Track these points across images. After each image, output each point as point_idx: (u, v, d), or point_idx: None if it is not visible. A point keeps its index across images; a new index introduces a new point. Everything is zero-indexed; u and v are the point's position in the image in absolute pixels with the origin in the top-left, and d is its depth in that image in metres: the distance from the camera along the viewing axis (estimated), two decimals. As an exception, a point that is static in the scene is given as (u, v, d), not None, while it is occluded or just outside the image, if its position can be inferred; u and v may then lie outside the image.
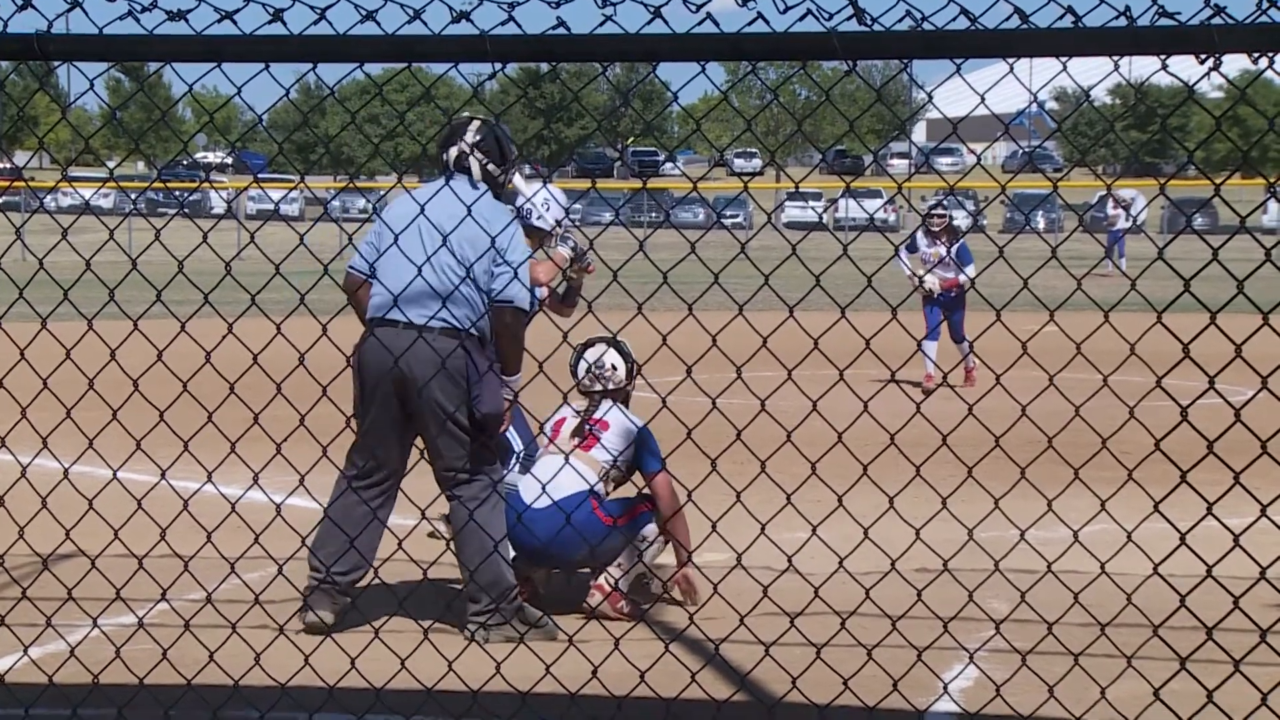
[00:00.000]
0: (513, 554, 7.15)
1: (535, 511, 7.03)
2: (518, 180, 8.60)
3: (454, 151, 7.07)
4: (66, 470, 5.05)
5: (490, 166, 7.06)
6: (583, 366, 7.78)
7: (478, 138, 7.06)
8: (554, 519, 6.92)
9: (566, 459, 6.97)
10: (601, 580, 7.37)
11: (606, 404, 7.67)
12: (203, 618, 6.01)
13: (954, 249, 16.91)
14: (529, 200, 8.72)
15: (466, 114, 7.35)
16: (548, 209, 8.72)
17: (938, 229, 17.18)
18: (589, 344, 7.84)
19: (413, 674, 5.28)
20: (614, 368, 7.77)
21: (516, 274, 6.81)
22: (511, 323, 6.84)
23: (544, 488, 6.57)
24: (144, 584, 5.84)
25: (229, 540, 5.99)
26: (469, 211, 5.78)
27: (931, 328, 16.59)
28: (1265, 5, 3.43)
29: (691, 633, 6.26)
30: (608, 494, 7.54)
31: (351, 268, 6.98)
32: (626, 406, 7.77)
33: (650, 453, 7.46)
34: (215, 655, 5.38)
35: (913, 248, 17.47)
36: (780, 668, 5.37)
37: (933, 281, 16.84)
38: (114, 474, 5.21)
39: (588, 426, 7.56)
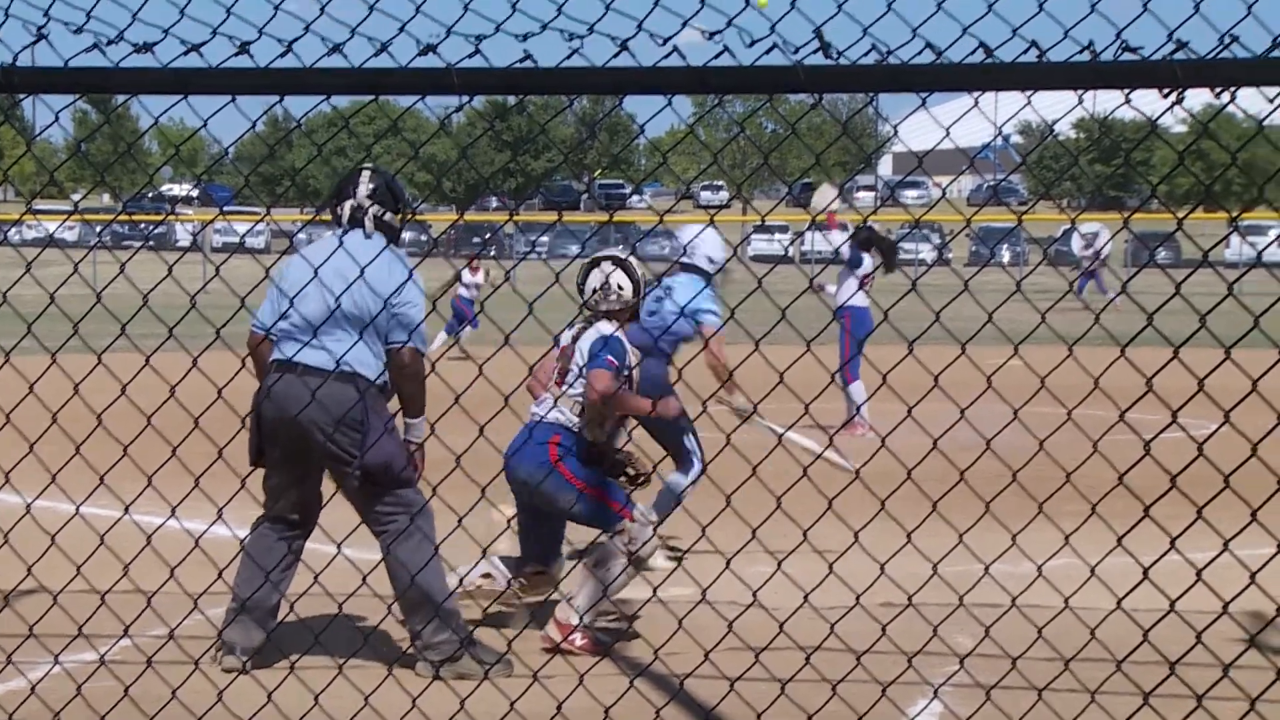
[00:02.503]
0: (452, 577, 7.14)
1: (514, 446, 7.38)
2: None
3: (348, 206, 7.04)
4: (29, 505, 5.02)
5: (386, 216, 7.06)
6: (589, 286, 7.77)
7: (371, 187, 7.05)
8: (524, 454, 7.30)
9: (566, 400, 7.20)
10: (563, 617, 7.33)
11: (593, 328, 7.61)
12: (166, 654, 5.97)
13: (844, 247, 15.57)
14: (689, 243, 9.46)
15: (363, 166, 7.29)
16: (699, 248, 9.42)
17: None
18: (595, 262, 7.82)
19: (376, 710, 5.26)
20: (620, 287, 7.74)
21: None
22: (410, 364, 6.75)
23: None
24: (106, 620, 5.81)
25: (193, 575, 5.96)
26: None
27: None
28: (1227, 41, 3.45)
29: (656, 668, 6.24)
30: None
31: (254, 326, 6.93)
32: (627, 325, 7.76)
33: (592, 355, 7.43)
34: (178, 692, 5.34)
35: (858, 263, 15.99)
36: (745, 703, 5.36)
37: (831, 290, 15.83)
38: (77, 509, 5.18)
39: (564, 361, 7.58)
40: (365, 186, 7.01)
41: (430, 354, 7.00)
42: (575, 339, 7.62)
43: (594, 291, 7.74)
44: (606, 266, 7.77)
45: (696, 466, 9.36)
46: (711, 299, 9.58)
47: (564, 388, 7.47)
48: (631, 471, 7.56)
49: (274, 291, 6.84)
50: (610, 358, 7.40)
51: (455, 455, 5.38)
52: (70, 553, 5.10)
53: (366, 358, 6.65)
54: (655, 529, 7.45)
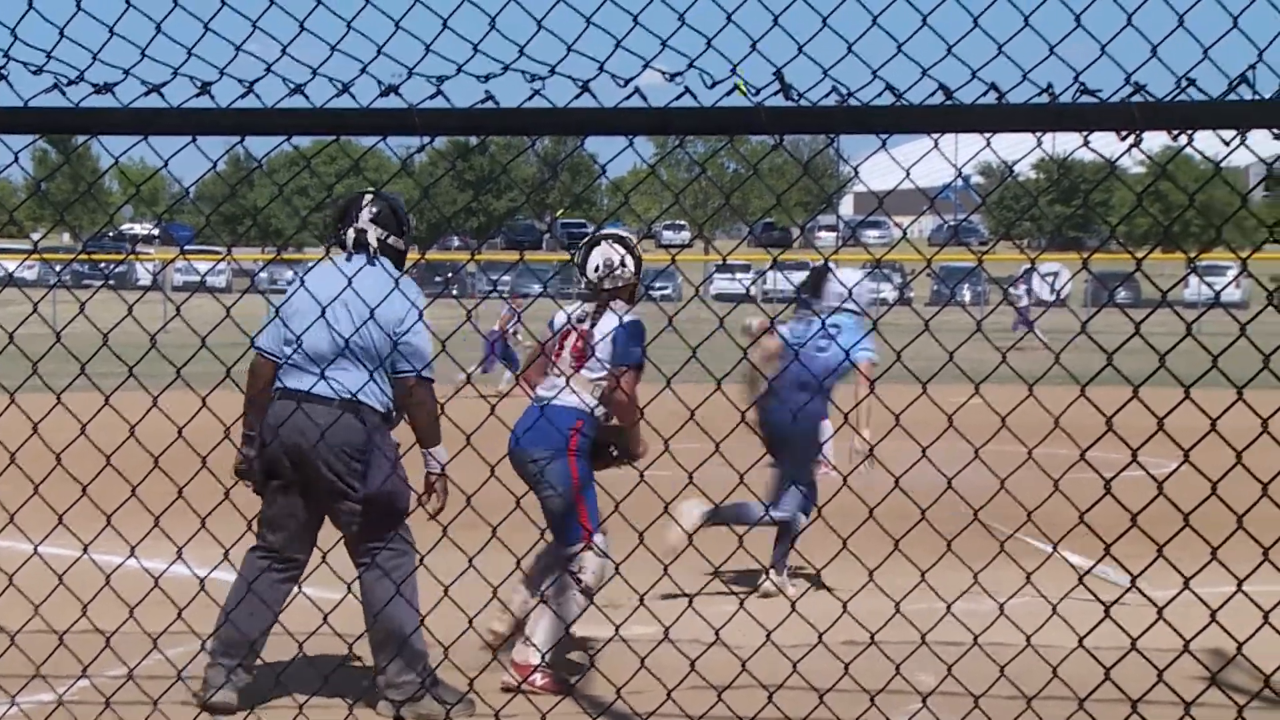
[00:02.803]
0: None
1: (524, 425, 7.28)
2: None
3: (352, 231, 6.95)
4: (-13, 545, 4.99)
5: (390, 240, 6.97)
6: (592, 265, 7.64)
7: (374, 211, 6.96)
8: (538, 435, 7.17)
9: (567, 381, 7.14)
10: (521, 658, 7.29)
11: (609, 311, 7.50)
12: (125, 694, 5.93)
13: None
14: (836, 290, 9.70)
15: (361, 190, 7.21)
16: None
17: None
18: (595, 241, 7.70)
19: (338, 750, 5.23)
20: (623, 265, 7.64)
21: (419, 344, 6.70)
22: (418, 393, 6.72)
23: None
24: (65, 660, 5.77)
25: (152, 615, 5.93)
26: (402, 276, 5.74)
27: None
28: (1184, 84, 3.48)
29: (619, 707, 6.23)
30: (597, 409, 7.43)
31: (260, 348, 6.84)
32: (631, 303, 7.67)
33: (624, 348, 7.34)
34: (137, 732, 5.31)
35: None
36: (708, 742, 5.35)
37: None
38: (35, 549, 5.15)
39: (583, 344, 7.46)
40: (368, 211, 6.93)
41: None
42: (584, 320, 7.51)
43: (597, 270, 7.62)
44: (608, 245, 7.66)
45: (789, 509, 8.87)
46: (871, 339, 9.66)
47: (581, 371, 7.36)
48: (614, 451, 7.49)
49: (276, 316, 6.77)
50: (639, 350, 7.32)
51: (417, 494, 5.35)
52: (28, 592, 5.07)
53: (370, 386, 6.61)
54: (617, 565, 7.37)
